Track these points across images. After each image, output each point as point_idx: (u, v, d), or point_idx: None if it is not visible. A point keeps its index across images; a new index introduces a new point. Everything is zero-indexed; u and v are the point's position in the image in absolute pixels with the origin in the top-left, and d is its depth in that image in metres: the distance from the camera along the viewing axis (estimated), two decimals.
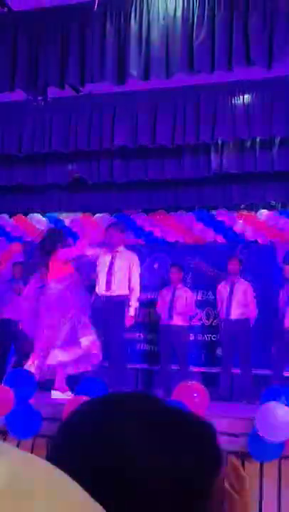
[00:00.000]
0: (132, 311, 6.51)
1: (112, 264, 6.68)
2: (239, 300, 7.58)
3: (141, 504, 0.70)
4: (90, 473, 0.69)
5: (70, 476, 0.56)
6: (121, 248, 6.73)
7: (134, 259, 6.69)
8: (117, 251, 6.74)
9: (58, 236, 6.25)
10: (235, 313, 7.55)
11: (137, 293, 6.62)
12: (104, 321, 6.48)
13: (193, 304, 8.04)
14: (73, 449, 0.74)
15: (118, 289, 6.57)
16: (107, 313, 6.55)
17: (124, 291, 6.63)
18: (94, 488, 0.58)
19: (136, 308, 6.68)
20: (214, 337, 8.17)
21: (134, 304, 6.58)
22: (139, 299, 6.97)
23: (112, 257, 6.71)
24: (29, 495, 0.51)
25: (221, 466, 0.79)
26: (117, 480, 0.70)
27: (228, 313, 7.62)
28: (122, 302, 6.60)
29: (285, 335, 7.37)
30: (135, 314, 6.81)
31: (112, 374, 6.39)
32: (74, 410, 0.80)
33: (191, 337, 8.36)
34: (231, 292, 7.66)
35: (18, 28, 5.85)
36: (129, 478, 0.70)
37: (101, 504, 0.57)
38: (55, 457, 0.70)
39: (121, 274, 6.61)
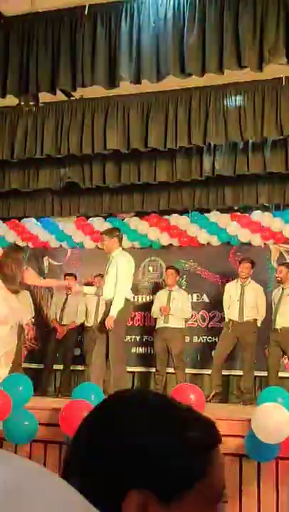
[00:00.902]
0: (112, 311, 6.39)
1: (107, 269, 6.65)
2: (250, 302, 7.57)
3: (151, 480, 0.80)
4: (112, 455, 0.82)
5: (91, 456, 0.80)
6: (115, 253, 6.69)
7: (120, 261, 6.58)
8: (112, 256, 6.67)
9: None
10: (246, 315, 7.53)
11: (120, 293, 6.52)
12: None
13: (189, 307, 8.04)
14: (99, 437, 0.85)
15: (107, 293, 6.52)
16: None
17: (112, 295, 6.51)
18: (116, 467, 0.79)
19: (118, 309, 6.52)
20: (210, 339, 8.18)
21: (115, 303, 6.44)
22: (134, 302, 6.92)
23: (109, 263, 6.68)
24: (21, 499, 0.51)
25: (217, 442, 0.88)
26: (135, 456, 0.81)
27: (240, 315, 7.55)
28: (109, 306, 6.49)
29: (276, 336, 7.41)
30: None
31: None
32: (102, 405, 0.91)
33: (187, 339, 8.37)
34: (242, 294, 7.63)
35: (9, 33, 5.86)
36: (143, 458, 0.81)
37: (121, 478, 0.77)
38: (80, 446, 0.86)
39: (109, 279, 6.54)
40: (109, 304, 6.43)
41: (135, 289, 9.06)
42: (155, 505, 0.79)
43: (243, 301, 7.58)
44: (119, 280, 6.42)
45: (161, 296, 8.05)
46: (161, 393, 0.94)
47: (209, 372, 7.88)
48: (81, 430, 0.89)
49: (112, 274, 6.47)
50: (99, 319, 7.69)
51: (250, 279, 7.76)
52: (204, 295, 8.53)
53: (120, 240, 6.72)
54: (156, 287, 8.68)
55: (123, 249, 6.83)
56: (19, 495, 0.51)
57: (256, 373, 7.86)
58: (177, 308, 7.84)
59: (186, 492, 0.82)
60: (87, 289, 7.38)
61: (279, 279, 7.60)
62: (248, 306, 7.55)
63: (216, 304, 8.33)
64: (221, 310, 7.93)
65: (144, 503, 0.79)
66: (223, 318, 7.91)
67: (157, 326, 7.88)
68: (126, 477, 0.80)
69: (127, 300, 6.53)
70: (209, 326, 8.52)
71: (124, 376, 6.52)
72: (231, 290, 7.79)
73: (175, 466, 0.82)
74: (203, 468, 0.84)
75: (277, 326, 7.38)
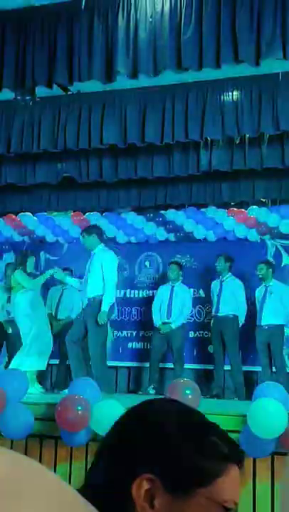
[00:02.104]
0: (104, 307, 6.47)
1: (89, 266, 6.72)
2: (228, 297, 7.62)
3: (164, 469, 0.86)
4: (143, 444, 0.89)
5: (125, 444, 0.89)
6: (97, 249, 6.71)
7: (105, 257, 6.65)
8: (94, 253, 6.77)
9: None
10: (223, 310, 7.59)
11: (110, 289, 6.52)
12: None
13: (190, 302, 8.06)
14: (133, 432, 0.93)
15: (91, 290, 6.56)
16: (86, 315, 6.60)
17: (98, 292, 6.57)
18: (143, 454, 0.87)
19: (110, 305, 6.58)
20: (206, 334, 8.19)
21: (106, 298, 6.49)
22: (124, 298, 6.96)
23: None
24: (17, 495, 0.51)
25: (236, 461, 0.93)
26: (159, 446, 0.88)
27: (217, 310, 7.67)
28: (96, 302, 6.55)
29: (261, 332, 7.47)
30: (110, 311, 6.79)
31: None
32: (131, 409, 0.99)
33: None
34: (221, 289, 7.70)
35: (6, 27, 5.83)
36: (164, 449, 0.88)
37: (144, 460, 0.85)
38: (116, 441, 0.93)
39: (92, 276, 6.59)
40: (94, 301, 6.44)
41: (131, 284, 9.07)
42: (161, 495, 0.84)
43: (220, 296, 7.63)
44: (108, 276, 6.47)
45: (163, 291, 8.04)
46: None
47: (206, 367, 7.90)
48: (115, 424, 0.97)
49: (95, 271, 6.52)
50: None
51: (229, 273, 7.80)
52: (200, 290, 8.53)
53: (100, 236, 6.81)
54: (153, 282, 8.68)
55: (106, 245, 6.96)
56: (8, 488, 0.51)
57: (251, 368, 7.91)
58: (180, 304, 7.84)
59: (192, 492, 0.85)
60: (71, 280, 7.41)
61: (260, 276, 7.65)
62: (225, 301, 7.59)
63: (212, 299, 8.33)
64: None
65: (152, 490, 0.84)
66: None
67: (158, 322, 7.85)
68: (143, 461, 0.86)
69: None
70: (205, 321, 8.53)
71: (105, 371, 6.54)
72: (213, 286, 7.85)
73: (189, 463, 0.87)
74: (213, 475, 0.87)
75: (263, 323, 7.44)
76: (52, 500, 0.53)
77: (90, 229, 7.01)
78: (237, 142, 7.45)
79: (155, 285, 8.54)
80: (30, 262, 7.37)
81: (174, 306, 7.82)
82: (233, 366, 7.54)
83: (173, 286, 7.99)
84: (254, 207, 8.88)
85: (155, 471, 0.85)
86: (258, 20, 5.14)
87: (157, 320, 7.86)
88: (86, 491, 0.85)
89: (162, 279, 8.56)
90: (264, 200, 8.92)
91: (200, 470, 0.86)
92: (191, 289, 8.48)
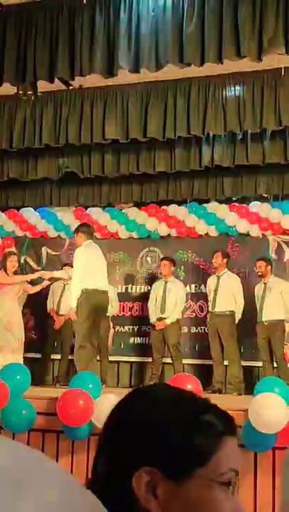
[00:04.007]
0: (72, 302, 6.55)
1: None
2: (225, 294, 7.61)
3: (160, 457, 0.86)
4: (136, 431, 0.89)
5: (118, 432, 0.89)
6: (83, 245, 6.79)
7: (83, 251, 6.78)
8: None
9: None
10: (220, 307, 7.58)
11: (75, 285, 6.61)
12: None
13: (184, 297, 8.05)
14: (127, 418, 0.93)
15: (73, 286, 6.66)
16: None
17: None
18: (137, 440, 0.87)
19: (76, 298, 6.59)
20: (207, 329, 8.19)
21: (74, 292, 6.57)
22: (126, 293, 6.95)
23: None
24: (18, 484, 0.51)
25: (231, 433, 0.91)
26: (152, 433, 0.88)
27: (213, 306, 7.66)
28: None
29: (261, 328, 7.48)
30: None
31: None
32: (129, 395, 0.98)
33: (184, 329, 8.38)
34: (217, 285, 7.69)
35: (7, 22, 5.83)
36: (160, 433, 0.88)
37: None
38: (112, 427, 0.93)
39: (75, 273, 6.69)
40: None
41: (133, 279, 9.08)
42: (162, 484, 0.84)
43: (217, 292, 7.63)
44: (77, 272, 6.58)
45: (157, 287, 8.05)
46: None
47: (207, 362, 7.90)
48: (110, 414, 0.96)
49: (77, 268, 6.66)
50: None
51: (226, 269, 7.79)
52: (202, 286, 8.53)
53: (86, 234, 6.85)
54: (154, 278, 8.68)
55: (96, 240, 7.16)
56: (9, 477, 0.51)
57: (253, 364, 7.92)
58: (174, 299, 7.83)
59: (190, 474, 0.85)
60: (59, 273, 7.51)
61: (259, 273, 7.64)
62: (222, 297, 7.58)
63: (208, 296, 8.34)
64: None
65: (153, 480, 0.84)
66: None
67: (153, 318, 7.87)
68: (138, 453, 0.86)
69: (102, 291, 6.62)
70: (207, 316, 8.52)
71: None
72: (210, 282, 7.87)
73: (182, 446, 0.86)
74: (210, 452, 0.87)
75: (263, 320, 7.46)
76: (52, 488, 0.54)
77: (79, 226, 7.13)
78: (239, 137, 7.44)
79: (156, 281, 8.54)
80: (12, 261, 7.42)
81: (168, 302, 7.82)
82: (231, 362, 7.54)
83: (166, 282, 7.98)
84: (256, 202, 8.87)
85: (152, 460, 0.85)
86: (261, 16, 5.13)
87: (152, 316, 7.87)
88: (90, 487, 0.86)
89: None
90: (266, 195, 8.91)
91: (194, 450, 0.86)
92: (190, 285, 8.49)
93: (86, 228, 7.04)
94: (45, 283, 7.82)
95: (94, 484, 0.88)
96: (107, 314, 7.95)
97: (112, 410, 0.96)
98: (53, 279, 7.86)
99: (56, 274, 7.58)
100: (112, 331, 8.47)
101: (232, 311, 7.57)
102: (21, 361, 6.78)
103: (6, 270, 7.32)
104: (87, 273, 6.54)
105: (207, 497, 0.85)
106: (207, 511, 0.85)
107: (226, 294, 7.60)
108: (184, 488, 0.84)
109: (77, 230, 7.00)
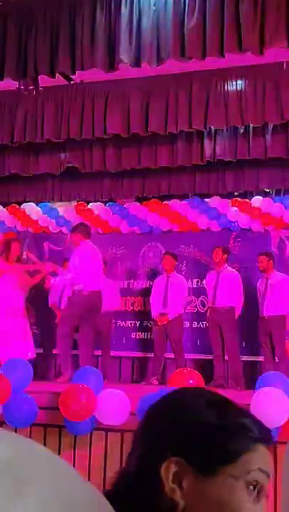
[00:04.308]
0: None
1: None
2: (224, 289, 7.61)
3: (191, 450, 0.88)
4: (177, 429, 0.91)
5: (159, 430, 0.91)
6: (82, 243, 6.99)
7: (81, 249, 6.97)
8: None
9: None
10: (220, 302, 7.59)
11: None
12: None
13: (186, 292, 8.05)
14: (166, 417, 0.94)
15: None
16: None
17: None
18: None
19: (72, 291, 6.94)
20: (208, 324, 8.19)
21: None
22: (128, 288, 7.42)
23: None
24: (20, 477, 0.51)
25: (266, 441, 0.94)
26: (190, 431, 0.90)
27: (213, 301, 7.66)
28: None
29: (263, 323, 7.49)
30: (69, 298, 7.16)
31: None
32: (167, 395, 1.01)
33: (186, 324, 8.39)
34: (217, 281, 7.69)
35: (8, 16, 5.81)
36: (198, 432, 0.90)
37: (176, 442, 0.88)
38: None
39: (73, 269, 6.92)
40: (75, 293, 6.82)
41: (134, 275, 9.08)
42: (189, 476, 0.86)
43: (217, 287, 7.64)
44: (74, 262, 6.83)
45: (158, 282, 8.06)
46: None
47: (209, 357, 7.91)
48: (147, 412, 0.99)
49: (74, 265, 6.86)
50: None
51: (226, 265, 7.80)
52: (204, 281, 8.53)
53: (83, 233, 7.06)
54: (156, 273, 8.69)
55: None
56: (17, 473, 0.51)
57: (253, 359, 7.93)
58: (175, 294, 7.84)
59: (219, 469, 0.87)
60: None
61: (261, 268, 7.65)
62: (222, 292, 7.59)
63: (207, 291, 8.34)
64: None
65: (180, 471, 0.87)
66: None
67: (155, 313, 7.87)
68: (169, 444, 0.89)
69: (96, 291, 6.85)
70: (207, 312, 8.53)
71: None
72: (209, 277, 7.87)
73: (216, 442, 0.89)
74: (241, 451, 0.89)
75: (265, 315, 7.46)
76: (53, 480, 0.54)
77: (75, 227, 7.31)
78: (241, 132, 7.42)
79: (158, 275, 8.53)
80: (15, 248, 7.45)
81: (169, 296, 7.82)
82: (231, 357, 7.55)
83: (168, 277, 7.98)
84: (258, 197, 8.86)
85: (182, 452, 0.87)
86: (262, 9, 5.10)
87: (154, 311, 7.88)
88: (120, 478, 0.92)
89: None
90: (268, 190, 8.90)
91: (225, 449, 0.88)
92: (192, 279, 8.50)
93: (83, 228, 7.14)
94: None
95: (125, 473, 0.93)
96: (110, 310, 8.03)
97: (153, 406, 0.99)
98: (53, 273, 7.88)
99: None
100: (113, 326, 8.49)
101: (232, 307, 7.58)
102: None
103: (7, 258, 7.29)
104: (82, 273, 6.66)
105: (230, 495, 0.87)
106: (227, 509, 0.86)
107: (226, 289, 7.60)
108: (209, 483, 0.86)
109: (74, 230, 7.15)
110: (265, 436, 0.93)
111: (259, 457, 0.90)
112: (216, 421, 0.90)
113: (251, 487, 0.88)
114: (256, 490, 0.89)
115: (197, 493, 0.86)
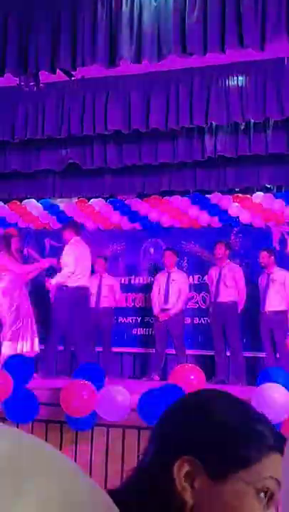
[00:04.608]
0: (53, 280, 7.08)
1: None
2: (227, 284, 7.62)
3: (206, 452, 0.88)
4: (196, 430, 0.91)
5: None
6: (70, 242, 7.19)
7: (71, 247, 7.14)
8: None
9: None
10: (222, 297, 7.60)
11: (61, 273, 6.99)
12: None
13: (187, 288, 8.05)
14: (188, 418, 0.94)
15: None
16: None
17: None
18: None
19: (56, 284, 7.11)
20: (210, 320, 8.20)
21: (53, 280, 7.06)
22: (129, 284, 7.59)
23: None
24: (19, 472, 0.52)
25: (279, 450, 0.92)
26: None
27: (216, 296, 7.67)
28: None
29: (264, 319, 7.50)
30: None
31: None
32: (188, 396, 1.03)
33: (188, 320, 8.39)
34: (220, 276, 7.70)
35: (9, 12, 5.80)
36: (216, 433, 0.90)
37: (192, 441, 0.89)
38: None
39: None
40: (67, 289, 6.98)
41: (136, 271, 9.08)
42: (201, 477, 0.87)
43: (219, 282, 7.64)
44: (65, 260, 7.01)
45: (160, 278, 8.06)
46: None
47: (210, 353, 7.92)
48: (165, 412, 0.98)
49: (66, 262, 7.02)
50: (100, 301, 7.94)
51: (228, 260, 7.80)
52: (205, 276, 8.53)
53: (74, 230, 7.32)
54: (157, 269, 8.68)
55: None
56: (18, 462, 0.51)
57: (255, 354, 7.93)
58: (176, 290, 7.84)
59: (231, 474, 0.87)
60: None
61: (262, 264, 7.65)
62: (225, 287, 7.60)
63: (210, 286, 8.34)
64: None
65: (193, 471, 0.87)
66: None
67: (156, 309, 7.88)
68: (185, 443, 0.89)
69: (85, 287, 7.05)
70: (210, 307, 8.53)
71: None
72: (212, 272, 7.87)
73: (231, 448, 0.89)
74: (254, 459, 0.89)
75: (266, 310, 7.47)
76: (59, 478, 0.54)
77: (67, 224, 7.53)
78: (242, 127, 7.41)
79: (160, 272, 8.54)
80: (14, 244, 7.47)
81: (171, 292, 7.83)
82: (233, 352, 7.56)
83: (169, 273, 7.98)
84: (259, 193, 8.85)
85: (196, 453, 0.88)
86: (263, 5, 5.09)
87: (155, 307, 7.88)
88: (133, 474, 0.92)
89: None
90: (269, 186, 8.89)
91: (239, 455, 0.88)
92: (193, 275, 8.50)
93: (74, 224, 7.41)
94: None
95: (139, 470, 0.93)
96: (111, 306, 8.06)
97: (172, 407, 0.99)
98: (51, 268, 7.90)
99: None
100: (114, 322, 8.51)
101: (234, 302, 7.59)
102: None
103: (8, 252, 7.27)
104: (74, 270, 6.77)
105: (240, 500, 0.87)
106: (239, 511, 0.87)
107: (229, 284, 7.61)
108: (221, 486, 0.87)
109: (65, 227, 7.37)
110: (279, 444, 0.93)
111: (272, 465, 0.90)
112: (233, 425, 0.91)
113: (262, 494, 0.88)
114: (266, 497, 0.88)
115: (207, 494, 0.86)
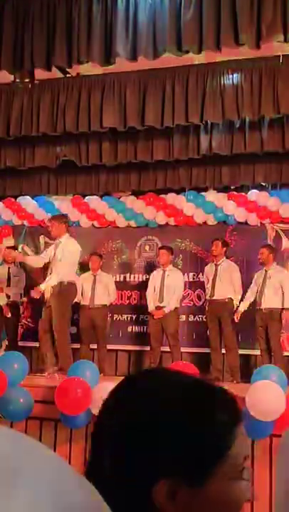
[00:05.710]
0: (42, 285, 6.74)
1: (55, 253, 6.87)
2: (223, 281, 7.63)
3: (181, 464, 0.82)
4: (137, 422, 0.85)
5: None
6: (63, 238, 6.86)
7: (67, 244, 6.84)
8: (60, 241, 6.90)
9: None
10: (219, 294, 7.61)
11: (57, 273, 6.69)
12: None
13: (182, 286, 8.06)
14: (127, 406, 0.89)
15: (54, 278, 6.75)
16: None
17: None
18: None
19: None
20: (205, 318, 8.21)
21: (50, 279, 6.70)
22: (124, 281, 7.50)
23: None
24: (15, 473, 0.51)
25: (240, 421, 0.90)
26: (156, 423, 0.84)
27: (212, 293, 7.68)
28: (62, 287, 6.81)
29: (260, 316, 7.51)
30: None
31: None
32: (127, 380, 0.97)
33: (182, 318, 8.40)
34: (216, 273, 7.71)
35: (4, 9, 5.78)
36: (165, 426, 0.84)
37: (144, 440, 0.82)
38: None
39: (57, 263, 6.77)
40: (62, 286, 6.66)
41: (131, 268, 9.08)
42: (182, 491, 0.82)
43: (215, 279, 7.65)
44: (62, 261, 6.67)
45: (155, 276, 8.06)
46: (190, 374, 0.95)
47: (205, 350, 7.93)
48: (111, 405, 0.92)
49: (59, 259, 6.74)
50: (95, 299, 7.90)
51: (224, 258, 7.81)
52: (200, 274, 8.54)
53: (68, 226, 7.02)
54: (152, 266, 8.69)
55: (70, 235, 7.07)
56: (15, 463, 0.51)
57: (251, 352, 7.95)
58: (172, 288, 7.84)
59: (210, 473, 0.83)
60: (30, 258, 7.64)
61: (261, 261, 7.66)
62: (221, 284, 7.61)
63: (205, 283, 8.35)
64: None
65: (173, 490, 0.81)
66: None
67: (151, 307, 7.88)
68: (159, 464, 0.82)
69: (70, 283, 6.77)
70: (205, 305, 8.54)
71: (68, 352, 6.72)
72: (208, 269, 7.88)
73: (200, 450, 0.84)
74: (226, 449, 0.86)
75: (262, 307, 7.48)
76: (51, 478, 0.54)
77: (62, 217, 7.19)
78: (237, 125, 7.42)
79: (155, 269, 8.54)
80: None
81: (166, 290, 7.83)
82: (228, 349, 7.58)
83: (164, 271, 7.99)
84: (254, 191, 8.86)
85: (170, 471, 0.82)
86: (259, 3, 5.10)
87: (150, 305, 7.88)
88: (93, 480, 0.82)
89: None
90: (264, 184, 8.90)
91: (211, 453, 0.84)
92: (188, 273, 8.50)
93: (68, 220, 7.25)
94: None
95: (98, 478, 0.80)
96: (106, 303, 8.04)
97: (109, 400, 0.92)
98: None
99: (29, 259, 7.59)
100: (109, 319, 8.50)
101: (231, 299, 7.60)
102: None
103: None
104: (65, 266, 6.66)
105: (227, 492, 0.85)
106: (229, 504, 0.85)
107: (225, 281, 7.62)
108: (204, 488, 0.83)
109: (59, 220, 7.01)
110: (238, 414, 0.90)
111: (241, 444, 0.88)
112: (194, 427, 0.84)
113: (244, 472, 0.87)
114: (244, 472, 0.88)
115: (193, 500, 0.82)
